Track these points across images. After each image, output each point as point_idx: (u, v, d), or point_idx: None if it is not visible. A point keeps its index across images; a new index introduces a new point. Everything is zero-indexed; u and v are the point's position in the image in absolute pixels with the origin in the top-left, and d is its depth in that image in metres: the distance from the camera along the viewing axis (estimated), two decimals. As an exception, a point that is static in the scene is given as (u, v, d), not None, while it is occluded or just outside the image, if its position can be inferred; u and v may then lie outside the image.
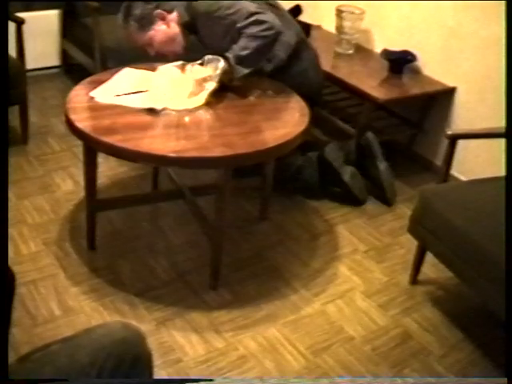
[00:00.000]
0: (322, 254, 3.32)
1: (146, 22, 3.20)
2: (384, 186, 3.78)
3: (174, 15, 3.24)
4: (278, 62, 3.37)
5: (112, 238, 3.29)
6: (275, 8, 3.34)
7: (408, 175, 4.10)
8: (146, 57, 3.29)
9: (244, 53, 3.04)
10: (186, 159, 2.57)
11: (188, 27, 3.28)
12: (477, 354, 2.78)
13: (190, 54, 3.14)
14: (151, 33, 3.23)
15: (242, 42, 3.04)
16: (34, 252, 3.14)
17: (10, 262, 2.76)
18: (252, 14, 3.06)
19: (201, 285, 3.01)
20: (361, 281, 3.17)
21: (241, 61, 3.04)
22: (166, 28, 3.24)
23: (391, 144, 4.21)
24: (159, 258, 3.17)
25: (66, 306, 2.82)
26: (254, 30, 3.04)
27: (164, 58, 3.25)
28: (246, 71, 3.07)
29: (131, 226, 3.40)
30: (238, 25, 3.06)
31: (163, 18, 3.23)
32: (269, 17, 3.09)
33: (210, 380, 2.55)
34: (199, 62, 3.01)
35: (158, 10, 3.20)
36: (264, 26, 3.05)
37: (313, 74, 3.55)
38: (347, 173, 3.73)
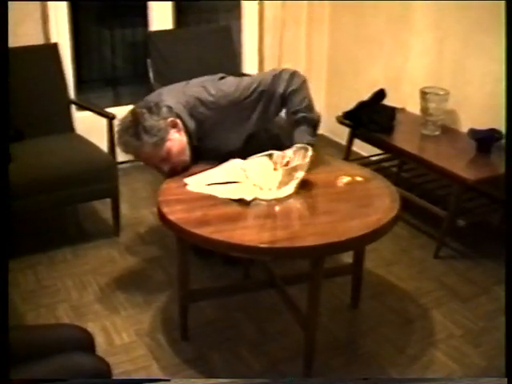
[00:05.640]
0: (417, 340, 3.25)
1: (163, 134, 2.97)
2: None
3: (179, 121, 3.05)
4: None
5: (204, 328, 3.29)
6: None
7: (500, 256, 3.99)
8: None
9: (306, 102, 3.11)
10: (279, 249, 2.56)
11: (195, 133, 3.12)
12: None
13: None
14: (168, 144, 2.99)
15: (295, 98, 3.11)
16: (126, 343, 3.17)
17: (104, 353, 2.82)
18: (278, 75, 3.12)
19: (294, 374, 2.97)
20: (458, 367, 3.07)
21: (309, 109, 3.13)
22: (179, 136, 3.05)
23: (482, 225, 4.14)
24: (252, 348, 3.15)
25: (160, 399, 2.83)
26: (295, 83, 3.11)
27: (175, 172, 3.07)
28: (317, 114, 3.16)
29: (223, 315, 3.40)
30: (280, 90, 3.09)
31: (174, 126, 3.03)
32: (287, 67, 3.19)
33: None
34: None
35: (170, 119, 3.01)
36: (296, 74, 3.14)
37: None
38: None
